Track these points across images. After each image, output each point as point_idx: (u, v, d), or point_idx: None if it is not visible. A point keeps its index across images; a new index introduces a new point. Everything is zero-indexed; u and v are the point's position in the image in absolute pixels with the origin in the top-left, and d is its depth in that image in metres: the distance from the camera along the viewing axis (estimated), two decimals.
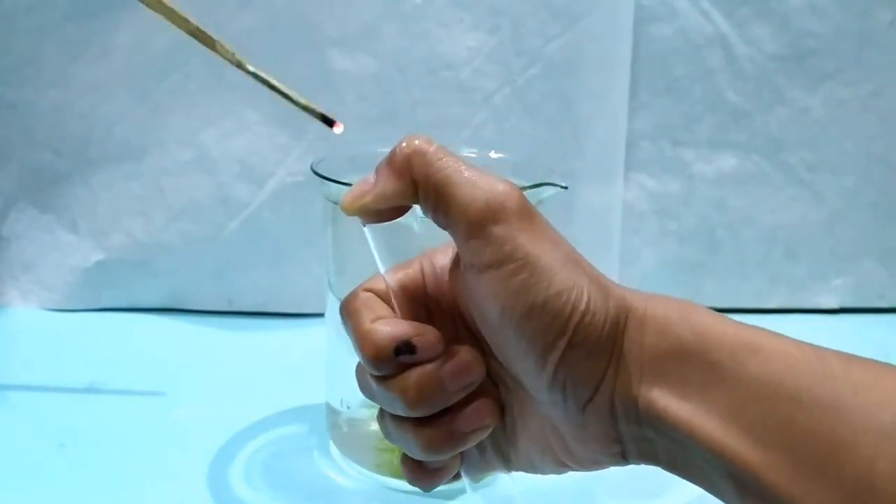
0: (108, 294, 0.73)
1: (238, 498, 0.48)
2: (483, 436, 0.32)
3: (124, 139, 0.71)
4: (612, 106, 0.73)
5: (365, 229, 0.32)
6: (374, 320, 0.31)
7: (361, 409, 0.50)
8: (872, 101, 0.75)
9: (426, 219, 0.31)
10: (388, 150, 0.31)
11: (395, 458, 0.49)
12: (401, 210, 0.31)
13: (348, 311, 0.33)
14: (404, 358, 0.30)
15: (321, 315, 0.53)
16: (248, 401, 0.58)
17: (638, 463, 0.31)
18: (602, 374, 0.30)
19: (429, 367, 0.31)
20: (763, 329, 0.29)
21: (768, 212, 0.77)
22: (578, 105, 0.72)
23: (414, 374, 0.31)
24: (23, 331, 0.70)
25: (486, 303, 0.30)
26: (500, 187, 0.30)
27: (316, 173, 0.44)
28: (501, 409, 0.33)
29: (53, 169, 0.71)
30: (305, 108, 0.36)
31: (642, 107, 0.73)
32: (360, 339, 0.31)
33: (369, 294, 0.33)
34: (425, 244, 0.32)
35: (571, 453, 0.32)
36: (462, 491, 0.47)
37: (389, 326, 0.31)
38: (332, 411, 0.52)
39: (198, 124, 0.70)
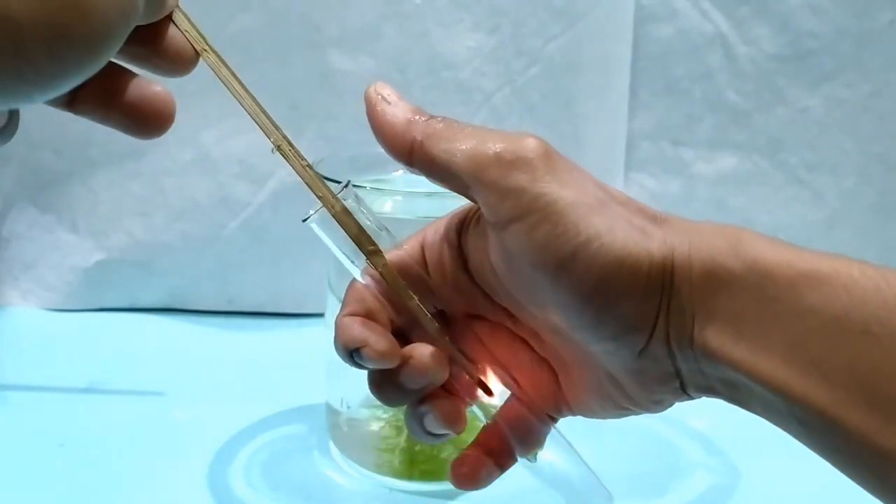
0: (108, 294, 0.73)
1: (238, 498, 0.48)
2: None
3: (124, 139, 0.70)
4: (612, 106, 0.73)
5: (312, 226, 0.31)
6: (347, 314, 0.31)
7: (361, 409, 0.50)
8: (872, 101, 0.74)
9: (366, 192, 0.30)
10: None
11: (396, 458, 0.49)
12: None
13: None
14: (358, 360, 0.30)
15: (321, 315, 0.53)
16: (248, 401, 0.58)
17: (699, 396, 0.30)
18: (654, 320, 0.28)
19: (384, 369, 0.31)
20: (823, 253, 0.27)
21: (768, 212, 0.77)
22: (578, 105, 0.72)
23: (373, 374, 0.31)
24: (23, 331, 0.70)
25: (516, 260, 0.28)
26: (515, 137, 0.28)
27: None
28: (548, 365, 0.32)
29: (53, 169, 0.71)
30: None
31: (642, 107, 0.73)
32: (335, 328, 0.31)
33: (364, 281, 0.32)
34: (374, 219, 0.32)
35: (631, 397, 0.30)
36: (462, 491, 0.47)
37: (350, 328, 0.30)
38: (332, 411, 0.52)
39: (198, 124, 0.70)
